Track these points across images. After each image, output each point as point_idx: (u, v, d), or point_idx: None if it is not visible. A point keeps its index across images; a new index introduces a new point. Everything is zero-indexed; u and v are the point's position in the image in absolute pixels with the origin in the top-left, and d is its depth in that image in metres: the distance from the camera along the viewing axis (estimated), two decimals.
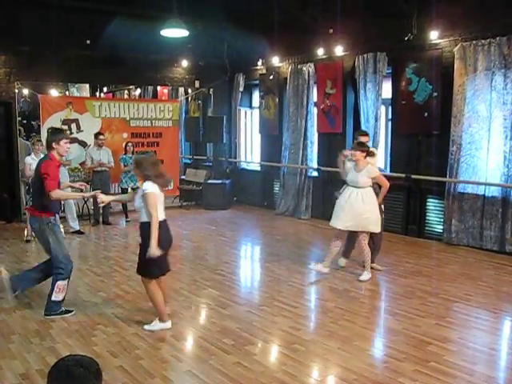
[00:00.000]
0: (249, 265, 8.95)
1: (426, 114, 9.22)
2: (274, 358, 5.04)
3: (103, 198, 6.00)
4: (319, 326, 5.77)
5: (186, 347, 5.27)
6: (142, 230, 5.39)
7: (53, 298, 5.88)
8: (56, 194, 5.74)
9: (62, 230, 10.15)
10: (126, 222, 11.39)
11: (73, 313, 5.96)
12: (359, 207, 7.11)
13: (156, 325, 5.52)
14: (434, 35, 8.92)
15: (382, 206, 7.54)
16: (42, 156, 9.55)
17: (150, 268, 5.40)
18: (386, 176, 10.05)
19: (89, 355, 2.32)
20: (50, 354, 4.88)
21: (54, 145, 5.83)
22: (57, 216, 5.96)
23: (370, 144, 8.01)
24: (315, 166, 11.67)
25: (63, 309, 5.96)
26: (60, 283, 5.87)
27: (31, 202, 6.84)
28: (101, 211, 11.13)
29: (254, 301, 6.58)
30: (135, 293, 6.73)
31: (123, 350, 5.03)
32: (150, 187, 5.28)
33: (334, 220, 7.35)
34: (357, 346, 5.10)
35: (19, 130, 11.90)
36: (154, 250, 5.18)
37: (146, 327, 5.50)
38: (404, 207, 9.83)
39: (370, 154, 7.27)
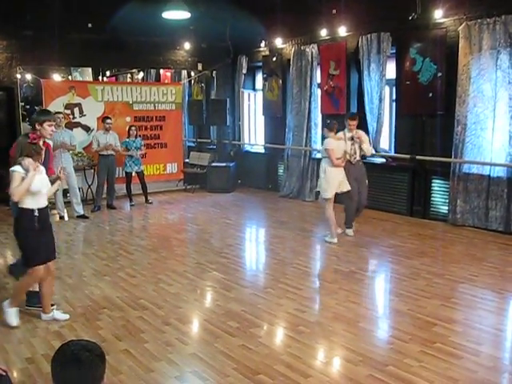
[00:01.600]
0: (253, 247, 8.95)
1: (430, 95, 9.13)
2: (279, 340, 5.04)
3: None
4: (324, 308, 5.76)
5: (191, 330, 5.28)
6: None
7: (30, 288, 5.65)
8: None
9: (66, 214, 10.28)
10: (131, 205, 11.38)
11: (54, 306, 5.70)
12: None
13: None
14: (438, 14, 8.81)
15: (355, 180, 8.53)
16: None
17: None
18: (390, 157, 10.11)
19: (92, 340, 2.33)
20: (56, 339, 4.90)
21: (36, 125, 5.48)
22: None
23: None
24: (319, 147, 11.61)
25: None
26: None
27: None
28: (104, 196, 11.13)
29: (258, 283, 6.59)
30: (140, 276, 6.74)
31: (128, 333, 5.04)
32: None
33: None
34: (362, 327, 5.11)
35: (22, 114, 11.88)
36: None
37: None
38: (409, 188, 9.78)
39: (331, 128, 8.25)
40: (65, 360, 2.20)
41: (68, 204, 10.46)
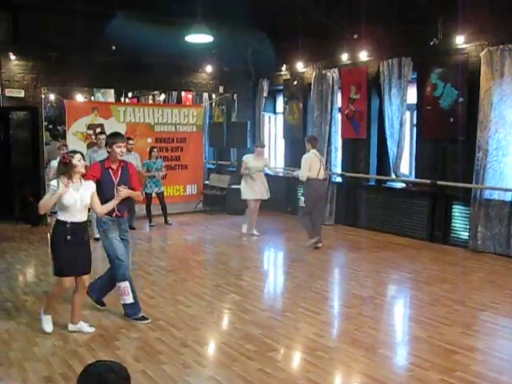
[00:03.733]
0: (272, 270, 8.92)
1: (451, 120, 9.11)
2: (297, 364, 5.00)
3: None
4: (343, 333, 5.71)
5: (209, 353, 5.26)
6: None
7: (121, 302, 5.95)
8: None
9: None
10: (151, 226, 11.43)
11: (148, 321, 5.85)
12: None
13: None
14: (459, 40, 8.82)
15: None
16: None
17: None
18: (410, 182, 10.07)
19: (113, 360, 2.32)
20: (73, 358, 4.91)
21: (107, 149, 5.91)
22: (112, 216, 5.87)
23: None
24: (339, 171, 11.61)
25: (140, 315, 5.90)
26: (118, 285, 5.90)
27: None
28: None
29: (277, 307, 6.55)
30: (158, 297, 6.74)
31: (146, 354, 5.03)
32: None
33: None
34: (381, 353, 5.05)
35: (46, 134, 12.07)
36: None
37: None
38: (429, 213, 9.71)
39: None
40: (91, 381, 2.19)
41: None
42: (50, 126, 14.62)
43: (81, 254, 5.46)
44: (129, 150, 10.89)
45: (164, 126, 12.81)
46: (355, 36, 10.57)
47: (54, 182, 5.28)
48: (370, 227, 10.80)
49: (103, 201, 5.63)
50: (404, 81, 9.80)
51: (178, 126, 13.01)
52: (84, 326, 5.55)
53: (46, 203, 5.29)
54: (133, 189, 5.89)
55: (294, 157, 12.77)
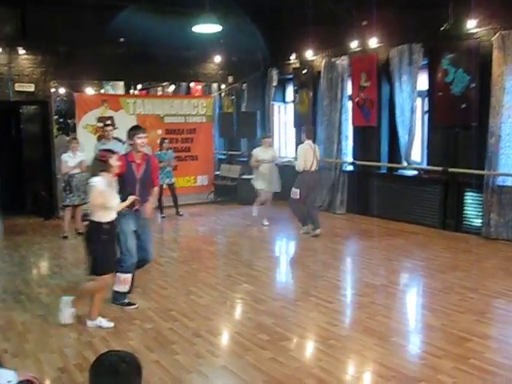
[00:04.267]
0: (284, 260, 8.91)
1: (463, 106, 9.02)
2: (310, 353, 5.00)
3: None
4: (355, 322, 5.70)
5: (222, 342, 5.27)
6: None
7: (114, 288, 6.02)
8: None
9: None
10: (162, 217, 11.45)
11: (135, 306, 6.03)
12: None
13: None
14: (471, 24, 8.69)
15: None
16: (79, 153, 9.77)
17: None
18: (422, 169, 10.01)
19: (126, 350, 2.33)
20: (88, 349, 4.95)
21: (129, 142, 6.03)
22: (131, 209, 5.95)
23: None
24: (350, 159, 11.56)
25: (126, 301, 6.07)
26: (119, 275, 5.95)
27: None
28: None
29: (289, 296, 6.54)
30: (171, 288, 6.76)
31: (159, 344, 5.06)
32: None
33: None
34: (394, 342, 5.03)
35: (56, 128, 12.09)
36: None
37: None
38: (441, 201, 9.64)
39: None
40: (102, 370, 2.21)
41: None
42: (61, 120, 14.62)
43: (114, 250, 5.64)
44: None
45: (174, 118, 12.80)
46: (365, 23, 10.48)
47: (97, 180, 5.27)
48: (381, 215, 10.75)
49: (123, 194, 5.72)
50: (415, 67, 9.71)
51: (187, 117, 13.00)
52: (103, 322, 5.55)
53: (119, 207, 5.50)
54: (152, 182, 6.15)
55: None
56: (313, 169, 9.36)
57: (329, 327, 5.40)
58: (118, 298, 6.08)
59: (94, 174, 5.33)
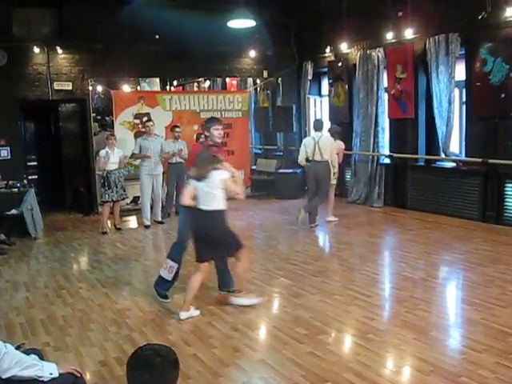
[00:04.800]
0: (321, 254, 8.87)
1: (502, 96, 8.82)
2: (348, 347, 4.98)
3: None
4: (394, 316, 5.65)
5: (259, 336, 5.29)
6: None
7: (160, 272, 6.17)
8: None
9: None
10: None
11: (168, 300, 6.10)
12: None
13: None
14: (510, 12, 8.48)
15: None
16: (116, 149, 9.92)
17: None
18: (461, 161, 9.84)
19: (165, 344, 2.36)
20: (127, 343, 5.02)
21: (206, 133, 6.14)
22: None
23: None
24: (387, 152, 11.45)
25: (166, 293, 6.16)
26: (168, 261, 6.13)
27: None
28: (174, 203, 11.29)
29: (326, 290, 6.51)
30: (208, 283, 6.78)
31: (197, 338, 5.10)
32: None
33: None
34: (433, 336, 4.97)
35: (98, 125, 12.29)
36: None
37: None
38: (481, 193, 9.47)
39: None
40: (138, 365, 2.24)
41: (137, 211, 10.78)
42: (99, 117, 14.83)
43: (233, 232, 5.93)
44: (176, 138, 10.96)
45: (210, 113, 12.81)
46: (400, 14, 10.35)
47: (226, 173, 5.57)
48: (419, 208, 10.62)
49: None
50: (452, 57, 9.53)
51: (223, 112, 13.03)
52: (194, 311, 5.68)
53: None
54: None
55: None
56: (317, 159, 9.54)
57: (367, 321, 5.37)
58: (158, 283, 6.18)
59: (205, 168, 5.45)
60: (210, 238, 5.53)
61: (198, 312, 5.68)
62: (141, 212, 10.63)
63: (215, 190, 5.48)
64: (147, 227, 10.32)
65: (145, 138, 10.39)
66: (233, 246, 5.72)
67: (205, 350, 4.83)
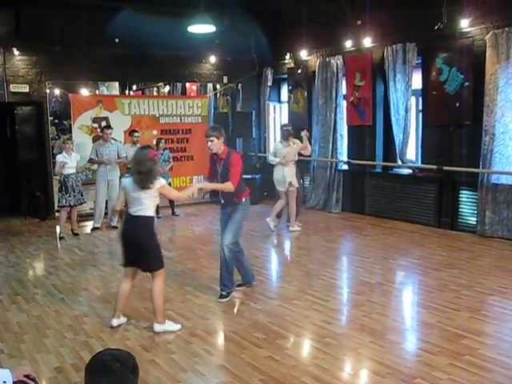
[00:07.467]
0: (280, 259, 8.92)
1: (457, 104, 9.05)
2: (306, 351, 5.02)
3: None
4: (351, 320, 5.72)
5: (218, 341, 5.29)
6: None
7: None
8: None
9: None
10: (158, 217, 11.39)
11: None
12: None
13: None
14: (464, 23, 8.74)
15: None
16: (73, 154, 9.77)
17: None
18: (417, 168, 10.04)
19: (125, 349, 2.33)
20: (84, 349, 4.95)
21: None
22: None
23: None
24: (345, 159, 11.59)
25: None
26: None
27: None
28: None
29: (285, 295, 6.55)
30: (167, 288, 6.71)
31: (155, 344, 5.07)
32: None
33: None
34: (389, 339, 5.05)
35: (52, 129, 12.06)
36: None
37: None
38: (436, 199, 9.68)
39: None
40: (96, 370, 2.19)
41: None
42: (56, 121, 14.62)
43: None
44: (134, 143, 10.88)
45: (169, 118, 12.80)
46: (359, 22, 10.51)
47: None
48: (376, 214, 10.79)
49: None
50: (409, 66, 9.74)
51: (183, 118, 13.00)
52: (172, 325, 5.45)
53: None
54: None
55: None
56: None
57: (325, 325, 5.42)
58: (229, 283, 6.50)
59: (143, 172, 5.26)
60: (134, 244, 5.35)
61: (178, 326, 5.44)
62: (94, 216, 10.51)
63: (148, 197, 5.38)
64: (114, 227, 10.19)
65: (101, 143, 10.29)
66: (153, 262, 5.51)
67: (163, 355, 4.80)
